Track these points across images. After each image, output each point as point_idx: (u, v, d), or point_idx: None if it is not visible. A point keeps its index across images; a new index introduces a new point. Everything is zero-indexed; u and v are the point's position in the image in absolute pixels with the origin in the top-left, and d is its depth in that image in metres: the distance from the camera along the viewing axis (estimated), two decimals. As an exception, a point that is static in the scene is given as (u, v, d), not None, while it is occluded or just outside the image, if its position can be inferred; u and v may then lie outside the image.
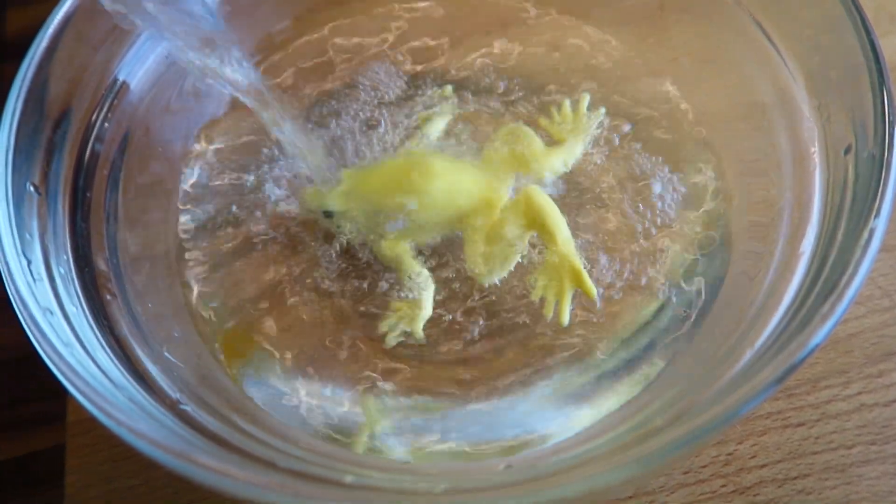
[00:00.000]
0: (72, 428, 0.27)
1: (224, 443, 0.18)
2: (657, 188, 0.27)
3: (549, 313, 0.24)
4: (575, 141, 0.28)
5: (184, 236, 0.26)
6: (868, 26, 0.19)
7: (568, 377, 0.24)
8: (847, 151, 0.19)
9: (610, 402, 0.23)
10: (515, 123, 0.28)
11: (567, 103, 0.29)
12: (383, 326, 0.25)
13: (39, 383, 0.29)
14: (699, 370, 0.20)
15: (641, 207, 0.27)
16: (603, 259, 0.26)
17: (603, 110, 0.28)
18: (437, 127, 0.29)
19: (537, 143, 0.27)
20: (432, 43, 0.33)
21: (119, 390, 0.18)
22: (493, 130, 0.28)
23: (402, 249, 0.26)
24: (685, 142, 0.28)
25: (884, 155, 0.17)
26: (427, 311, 0.25)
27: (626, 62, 0.30)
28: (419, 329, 0.25)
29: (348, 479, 0.17)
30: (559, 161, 0.27)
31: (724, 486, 0.24)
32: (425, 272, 0.26)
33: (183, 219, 0.27)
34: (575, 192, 0.28)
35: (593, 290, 0.24)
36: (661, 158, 0.28)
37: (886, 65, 0.18)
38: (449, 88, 0.30)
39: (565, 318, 0.24)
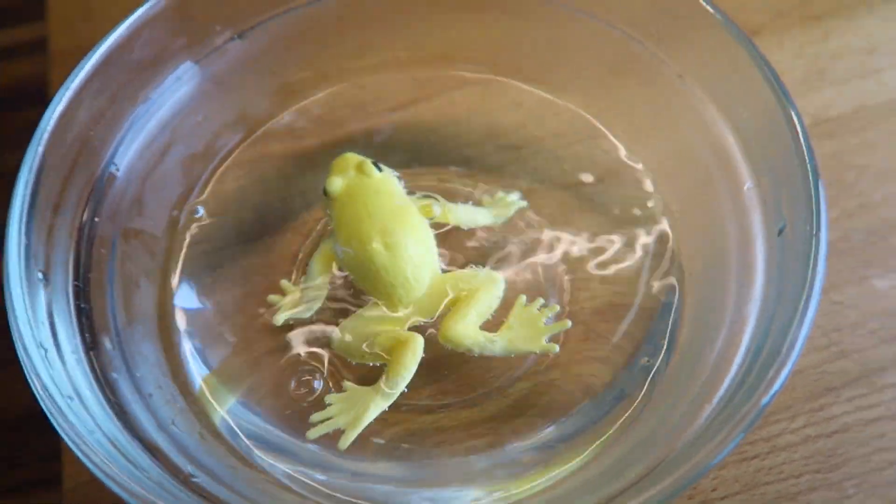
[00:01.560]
0: (68, 494, 0.28)
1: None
2: (612, 248, 0.29)
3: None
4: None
5: (176, 307, 0.28)
6: (801, 123, 0.22)
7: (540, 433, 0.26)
8: (780, 232, 0.21)
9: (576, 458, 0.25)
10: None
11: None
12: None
13: (33, 447, 0.30)
14: (661, 425, 0.22)
15: (595, 269, 0.29)
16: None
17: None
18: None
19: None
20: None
21: (141, 471, 0.19)
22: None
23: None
24: (636, 200, 0.31)
25: (811, 244, 0.19)
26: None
27: (577, 122, 0.33)
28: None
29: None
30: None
31: (688, 518, 0.27)
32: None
33: (173, 291, 0.28)
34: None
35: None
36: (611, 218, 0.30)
37: (817, 167, 0.21)
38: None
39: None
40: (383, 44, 0.34)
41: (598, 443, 0.24)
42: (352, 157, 0.28)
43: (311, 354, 0.28)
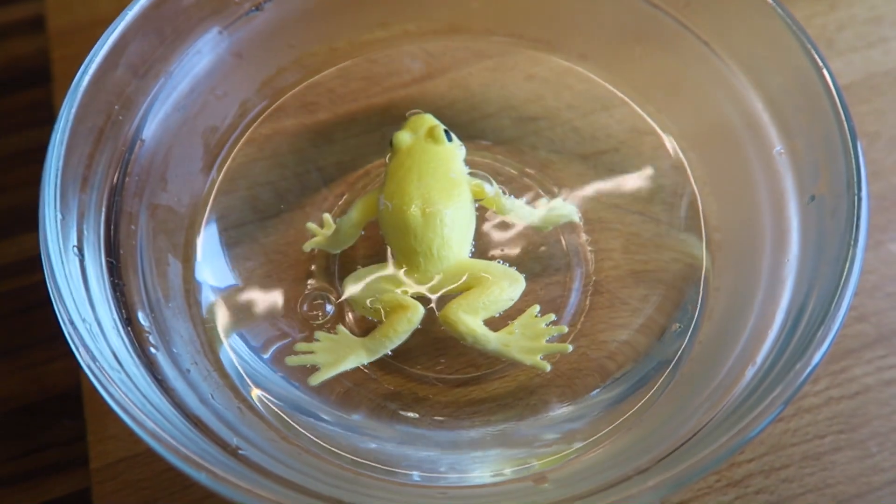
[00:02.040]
0: (96, 474, 0.27)
1: (287, 482, 0.20)
2: (635, 216, 0.29)
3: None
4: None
5: (207, 283, 0.27)
6: (835, 82, 0.22)
7: (573, 402, 0.26)
8: (813, 198, 0.22)
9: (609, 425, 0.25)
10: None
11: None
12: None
13: (56, 430, 0.30)
14: (700, 388, 0.22)
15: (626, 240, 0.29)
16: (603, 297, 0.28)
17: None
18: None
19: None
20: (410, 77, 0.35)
21: (191, 442, 0.19)
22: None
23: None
24: (657, 168, 0.31)
25: (854, 204, 0.19)
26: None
27: (596, 91, 0.33)
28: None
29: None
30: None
31: (718, 480, 0.27)
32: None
33: (199, 267, 0.28)
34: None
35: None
36: (634, 188, 0.30)
37: (854, 126, 0.21)
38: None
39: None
40: (396, 17, 0.34)
41: (635, 409, 0.24)
42: (428, 119, 0.28)
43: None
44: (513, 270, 0.27)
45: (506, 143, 0.32)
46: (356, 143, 0.33)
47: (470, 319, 0.25)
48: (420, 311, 0.26)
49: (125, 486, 0.27)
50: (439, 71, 0.35)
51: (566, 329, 0.27)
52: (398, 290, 0.26)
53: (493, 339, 0.26)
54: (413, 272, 0.26)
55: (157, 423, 0.18)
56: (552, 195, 0.31)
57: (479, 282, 0.26)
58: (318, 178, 0.32)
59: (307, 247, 0.28)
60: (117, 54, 0.24)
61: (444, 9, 0.35)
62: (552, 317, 0.27)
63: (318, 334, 0.26)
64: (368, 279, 0.27)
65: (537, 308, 0.27)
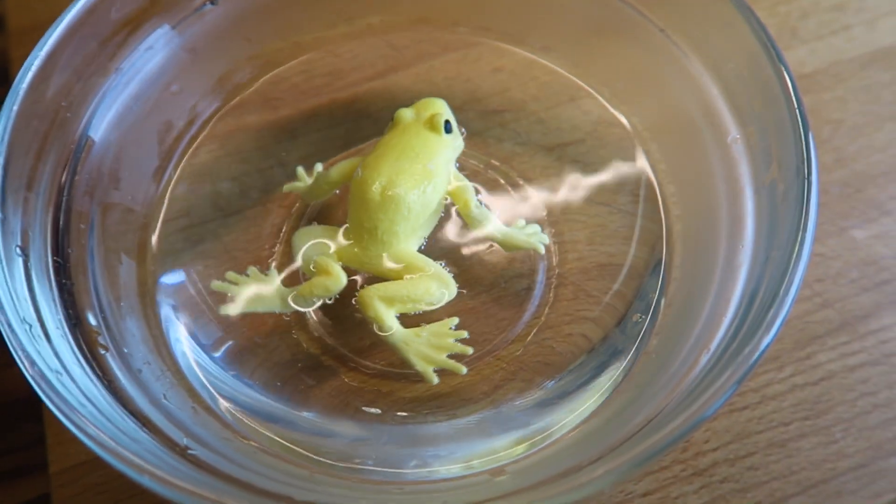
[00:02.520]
0: (56, 478, 0.27)
1: (237, 482, 0.19)
2: (598, 208, 0.29)
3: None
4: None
5: (158, 282, 0.27)
6: (787, 68, 0.22)
7: (535, 393, 0.26)
8: (771, 182, 0.22)
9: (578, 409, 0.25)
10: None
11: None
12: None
13: (14, 435, 0.29)
14: (658, 376, 0.22)
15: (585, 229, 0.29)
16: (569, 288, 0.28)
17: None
18: None
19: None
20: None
21: (137, 444, 0.19)
22: None
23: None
24: (622, 159, 0.31)
25: (803, 186, 0.19)
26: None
27: (560, 83, 0.33)
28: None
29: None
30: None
31: (683, 470, 0.27)
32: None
33: (154, 265, 0.27)
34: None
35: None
36: (597, 178, 0.30)
37: (804, 110, 0.21)
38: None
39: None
40: (358, 10, 0.34)
41: (594, 399, 0.24)
42: (435, 105, 0.28)
43: (300, 327, 0.28)
44: (449, 277, 0.26)
45: (471, 135, 0.32)
46: (319, 137, 0.33)
47: (381, 307, 0.25)
48: (341, 283, 0.26)
49: (86, 489, 0.27)
50: (404, 64, 0.34)
51: (470, 351, 0.26)
52: (333, 257, 0.26)
53: (396, 334, 0.26)
54: (355, 246, 0.27)
55: (99, 426, 0.18)
56: (517, 187, 0.30)
57: (408, 276, 0.26)
58: (280, 174, 0.31)
59: (287, 188, 0.29)
60: (60, 53, 0.24)
61: (409, 1, 0.34)
62: (464, 334, 0.26)
63: (250, 269, 0.27)
64: (314, 240, 0.27)
65: (455, 321, 0.26)
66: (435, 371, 0.26)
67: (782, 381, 0.29)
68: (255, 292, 0.26)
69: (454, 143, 0.28)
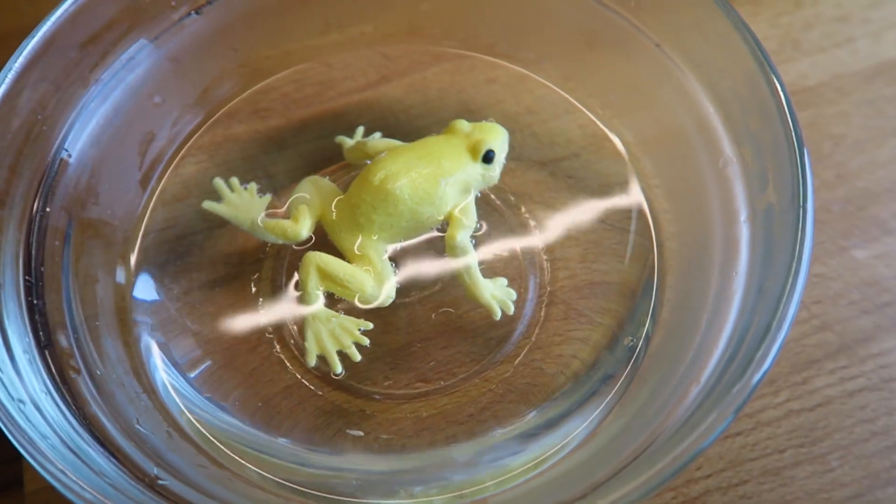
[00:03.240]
0: (31, 497, 0.26)
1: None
2: (591, 225, 0.28)
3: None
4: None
5: (136, 299, 0.26)
6: (784, 89, 0.21)
7: (522, 419, 0.25)
8: (767, 206, 0.21)
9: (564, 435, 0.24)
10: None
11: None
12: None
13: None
14: (646, 408, 0.22)
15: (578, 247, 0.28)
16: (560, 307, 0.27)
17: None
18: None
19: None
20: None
21: (101, 477, 0.18)
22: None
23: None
24: (616, 174, 0.30)
25: (798, 216, 0.19)
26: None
27: (553, 98, 0.32)
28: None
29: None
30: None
31: (674, 497, 0.26)
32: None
33: (133, 283, 0.27)
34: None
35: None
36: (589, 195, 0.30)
37: (801, 136, 0.20)
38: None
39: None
40: (350, 19, 0.33)
41: (582, 427, 0.24)
42: (491, 134, 0.26)
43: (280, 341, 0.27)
44: (390, 286, 0.26)
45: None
46: (309, 149, 0.32)
47: (314, 276, 0.26)
48: (300, 235, 0.27)
49: (61, 510, 0.26)
50: (397, 74, 0.34)
51: (358, 358, 0.26)
52: (313, 211, 0.27)
53: (313, 305, 0.26)
54: (336, 214, 0.27)
55: (60, 458, 0.17)
56: (509, 204, 0.30)
57: (358, 264, 0.26)
58: (267, 185, 0.31)
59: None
60: (37, 63, 0.23)
61: (402, 12, 0.34)
62: (365, 341, 0.26)
63: (251, 184, 0.28)
64: (314, 190, 0.27)
65: (369, 325, 0.26)
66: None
67: (777, 406, 0.28)
68: (240, 202, 0.27)
69: (485, 173, 0.26)
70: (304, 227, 0.27)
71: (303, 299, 0.26)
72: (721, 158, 0.24)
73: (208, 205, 0.27)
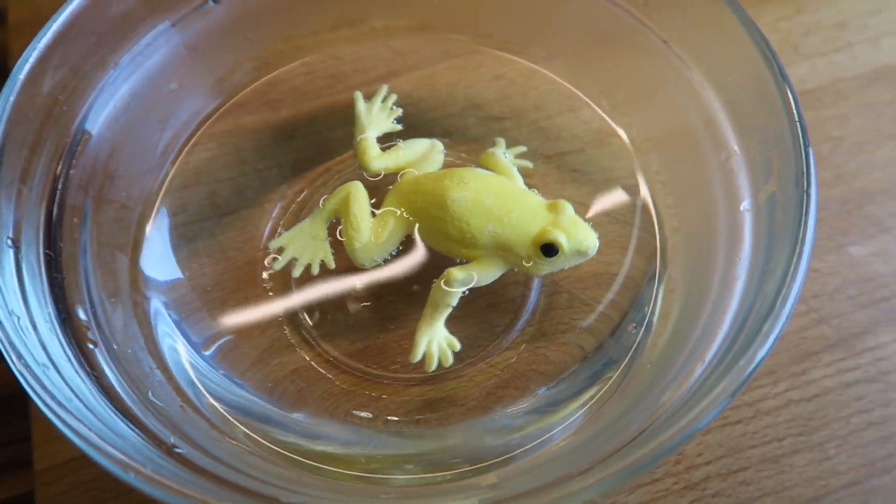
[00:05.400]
0: (41, 476, 0.27)
1: (224, 482, 0.19)
2: (596, 217, 0.29)
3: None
4: None
5: (150, 279, 0.27)
6: (788, 81, 0.22)
7: (527, 401, 0.26)
8: (770, 195, 0.21)
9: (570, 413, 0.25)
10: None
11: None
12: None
13: (-1, 431, 0.29)
14: (652, 387, 0.22)
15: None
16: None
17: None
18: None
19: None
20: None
21: (122, 440, 0.18)
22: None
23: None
24: (621, 169, 0.31)
25: (802, 211, 0.19)
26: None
27: (560, 93, 0.33)
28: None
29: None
30: None
31: (675, 483, 0.27)
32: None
33: (148, 262, 0.27)
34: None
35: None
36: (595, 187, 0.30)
37: (805, 124, 0.21)
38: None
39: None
40: (361, 13, 0.34)
41: (586, 408, 0.24)
42: (578, 241, 0.24)
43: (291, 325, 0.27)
44: (375, 258, 0.27)
45: (470, 141, 0.32)
46: (318, 140, 0.33)
47: (341, 196, 0.27)
48: (370, 167, 0.28)
49: (71, 487, 0.26)
50: (406, 69, 0.34)
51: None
52: (389, 161, 0.28)
53: (325, 216, 0.27)
54: (400, 178, 0.28)
55: (84, 420, 0.18)
56: None
57: (376, 223, 0.27)
58: (277, 175, 0.31)
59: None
60: (59, 45, 0.24)
61: (413, 6, 0.34)
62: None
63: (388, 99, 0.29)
64: (417, 148, 0.29)
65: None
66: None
67: (777, 396, 0.28)
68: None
69: (534, 261, 0.25)
70: (378, 164, 0.28)
71: (317, 211, 0.27)
72: (724, 151, 0.25)
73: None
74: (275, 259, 0.27)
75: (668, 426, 0.18)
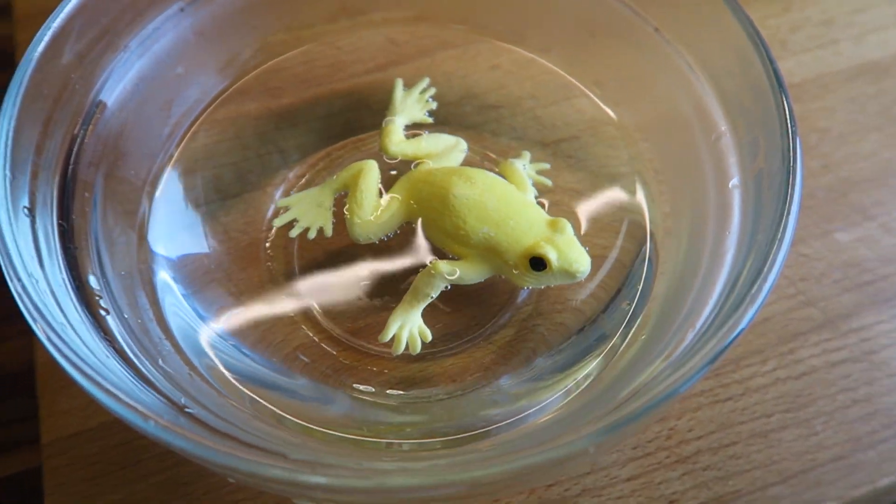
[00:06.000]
0: (47, 449, 0.27)
1: (235, 440, 0.20)
2: (590, 202, 0.30)
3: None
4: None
5: (162, 255, 0.27)
6: (775, 65, 0.23)
7: (524, 375, 0.27)
8: (758, 172, 0.22)
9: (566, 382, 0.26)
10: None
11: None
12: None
13: (4, 409, 0.29)
14: (643, 357, 0.23)
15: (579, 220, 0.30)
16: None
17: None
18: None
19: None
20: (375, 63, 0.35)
21: (138, 395, 0.19)
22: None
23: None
24: (614, 155, 0.32)
25: (788, 182, 0.20)
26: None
27: (556, 82, 0.34)
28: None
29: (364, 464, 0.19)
30: None
31: (667, 457, 0.28)
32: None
33: (155, 239, 0.28)
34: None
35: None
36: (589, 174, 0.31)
37: (792, 105, 0.22)
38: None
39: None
40: (360, 5, 0.35)
41: (580, 377, 0.25)
42: (569, 260, 0.24)
43: (297, 307, 0.28)
44: (368, 235, 0.28)
45: (468, 129, 0.33)
46: (318, 126, 0.33)
47: (355, 170, 0.28)
48: (388, 149, 0.29)
49: (75, 460, 0.27)
50: (404, 59, 0.35)
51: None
52: (407, 147, 0.29)
53: (335, 187, 0.29)
54: (413, 166, 0.29)
55: (103, 377, 0.18)
56: None
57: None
58: (279, 160, 0.32)
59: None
60: (72, 25, 0.25)
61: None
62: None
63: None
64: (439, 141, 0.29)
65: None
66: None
67: (766, 374, 0.29)
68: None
69: (519, 272, 0.25)
70: (396, 148, 0.29)
71: (329, 181, 0.28)
72: (714, 133, 0.26)
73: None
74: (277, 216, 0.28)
75: (658, 383, 0.18)
